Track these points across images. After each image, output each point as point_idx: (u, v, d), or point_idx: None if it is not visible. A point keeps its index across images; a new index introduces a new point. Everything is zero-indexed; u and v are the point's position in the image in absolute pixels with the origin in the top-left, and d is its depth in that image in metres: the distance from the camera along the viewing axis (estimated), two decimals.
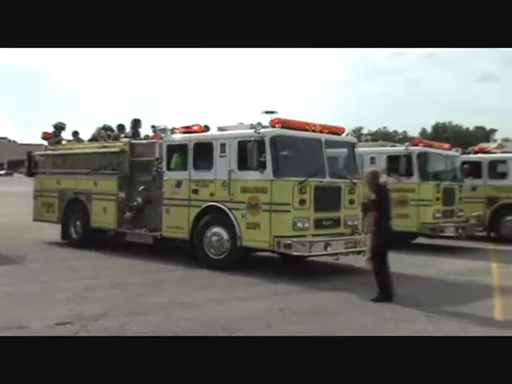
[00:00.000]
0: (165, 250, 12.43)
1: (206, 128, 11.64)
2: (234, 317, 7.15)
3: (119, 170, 12.61)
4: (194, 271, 10.38)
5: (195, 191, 10.96)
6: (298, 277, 9.97)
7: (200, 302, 7.98)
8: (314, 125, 10.64)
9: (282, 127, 10.11)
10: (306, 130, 10.50)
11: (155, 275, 9.98)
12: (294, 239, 9.52)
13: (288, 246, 9.52)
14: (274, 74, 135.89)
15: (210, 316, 7.19)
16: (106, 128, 14.86)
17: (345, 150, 11.46)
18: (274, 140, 9.89)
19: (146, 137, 13.23)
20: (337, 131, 11.17)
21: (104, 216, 12.72)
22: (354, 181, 10.85)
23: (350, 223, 10.66)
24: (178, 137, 11.58)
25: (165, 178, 11.53)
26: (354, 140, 11.75)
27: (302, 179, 9.78)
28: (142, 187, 12.18)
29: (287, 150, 9.89)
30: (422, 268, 11.48)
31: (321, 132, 10.67)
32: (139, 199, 12.16)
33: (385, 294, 8.17)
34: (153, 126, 13.52)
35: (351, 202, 10.74)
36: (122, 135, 13.71)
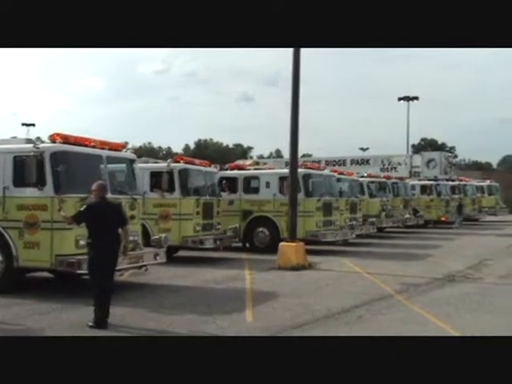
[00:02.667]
0: None
1: None
2: None
3: None
4: None
5: None
6: (62, 294, 9.73)
7: None
8: (94, 140, 10.59)
9: (63, 143, 9.88)
10: (86, 146, 10.38)
11: None
12: (79, 257, 9.33)
13: (71, 264, 9.30)
14: (23, 79, 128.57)
15: None
16: None
17: (124, 166, 11.57)
18: (55, 156, 9.63)
19: None
20: (117, 147, 11.24)
21: None
22: (135, 197, 11.03)
23: (131, 238, 10.75)
24: None
25: None
26: (134, 156, 11.91)
27: (84, 196, 9.62)
28: None
29: (68, 165, 9.68)
30: (183, 278, 12.15)
31: (101, 148, 10.65)
32: None
33: (96, 316, 7.67)
34: None
35: (132, 217, 10.85)
36: None
